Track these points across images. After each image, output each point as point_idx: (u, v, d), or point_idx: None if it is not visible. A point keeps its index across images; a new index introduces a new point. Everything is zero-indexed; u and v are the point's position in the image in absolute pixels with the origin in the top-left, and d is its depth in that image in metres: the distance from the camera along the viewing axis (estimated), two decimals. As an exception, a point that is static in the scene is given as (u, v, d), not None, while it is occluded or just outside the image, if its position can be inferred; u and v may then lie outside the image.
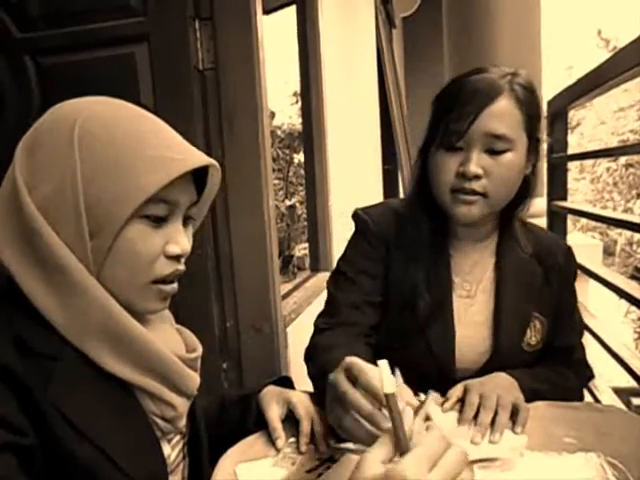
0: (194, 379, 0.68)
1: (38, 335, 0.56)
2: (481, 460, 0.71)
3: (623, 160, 8.58)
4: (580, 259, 1.54)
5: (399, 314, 0.96)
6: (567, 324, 1.01)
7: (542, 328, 0.97)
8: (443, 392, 0.88)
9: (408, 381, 0.90)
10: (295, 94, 8.59)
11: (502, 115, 0.86)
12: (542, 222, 1.70)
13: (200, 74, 1.26)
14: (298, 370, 1.07)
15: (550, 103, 1.74)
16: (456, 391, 0.84)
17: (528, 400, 0.84)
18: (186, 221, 0.65)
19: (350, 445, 0.77)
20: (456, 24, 2.87)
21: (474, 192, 0.87)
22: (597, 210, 1.64)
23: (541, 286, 0.98)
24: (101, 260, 0.58)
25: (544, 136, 0.94)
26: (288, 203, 7.83)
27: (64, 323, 0.57)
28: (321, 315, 1.00)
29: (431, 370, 0.94)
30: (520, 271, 0.97)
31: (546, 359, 0.98)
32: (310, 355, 0.94)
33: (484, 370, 0.92)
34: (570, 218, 1.81)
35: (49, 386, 0.54)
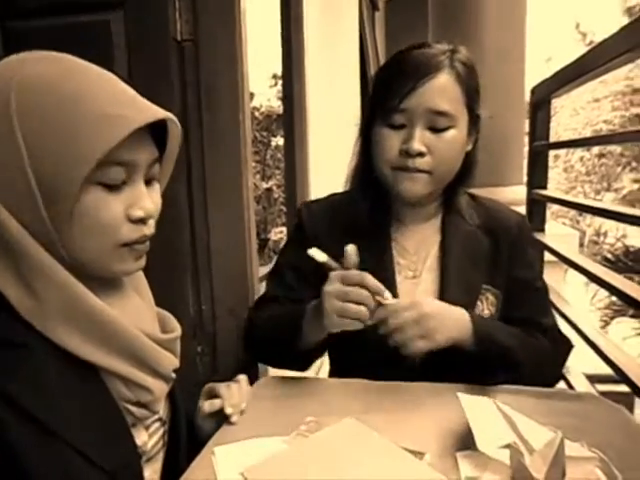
0: (170, 359, 0.65)
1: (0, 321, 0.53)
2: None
3: (596, 150, 8.75)
4: (558, 248, 1.56)
5: None
6: (528, 299, 0.98)
7: (496, 300, 0.96)
8: (397, 377, 0.90)
9: (360, 365, 0.94)
10: (274, 76, 8.49)
11: (443, 91, 0.86)
12: (521, 210, 1.70)
13: (178, 45, 1.20)
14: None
15: (533, 91, 1.73)
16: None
17: (496, 356, 0.86)
18: (150, 181, 0.62)
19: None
20: (441, 8, 2.85)
21: (417, 170, 0.88)
22: (579, 199, 1.66)
23: (491, 257, 0.97)
24: (65, 230, 0.55)
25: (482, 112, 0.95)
26: (265, 186, 7.79)
27: (27, 308, 0.54)
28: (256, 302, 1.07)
29: (382, 353, 0.91)
30: (466, 243, 0.97)
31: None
32: (252, 324, 1.02)
33: (437, 349, 0.91)
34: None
35: (8, 376, 0.51)
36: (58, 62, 0.57)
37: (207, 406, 0.79)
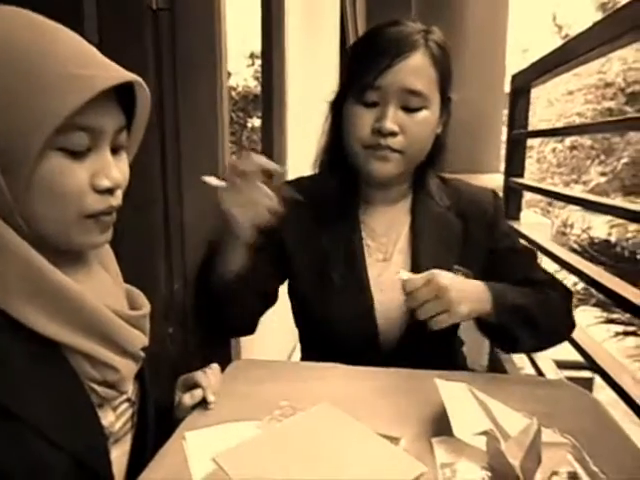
0: (138, 338, 0.63)
1: None
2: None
3: (568, 142, 8.92)
4: (533, 236, 1.58)
5: (311, 284, 0.95)
6: (517, 262, 0.98)
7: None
8: (370, 360, 0.89)
9: (332, 351, 0.92)
10: (252, 55, 8.32)
11: (417, 71, 0.85)
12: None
13: (154, 14, 1.14)
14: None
15: (514, 78, 1.73)
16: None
17: (515, 318, 0.85)
18: (117, 150, 0.59)
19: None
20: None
21: (389, 148, 0.87)
22: (556, 188, 1.68)
23: (462, 237, 0.97)
24: (24, 199, 0.52)
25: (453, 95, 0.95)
26: (240, 167, 7.67)
27: None
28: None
29: (354, 337, 0.92)
30: (436, 225, 0.97)
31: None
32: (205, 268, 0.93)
33: (410, 332, 0.92)
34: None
35: None
36: (25, 17, 0.53)
37: (188, 399, 0.77)
